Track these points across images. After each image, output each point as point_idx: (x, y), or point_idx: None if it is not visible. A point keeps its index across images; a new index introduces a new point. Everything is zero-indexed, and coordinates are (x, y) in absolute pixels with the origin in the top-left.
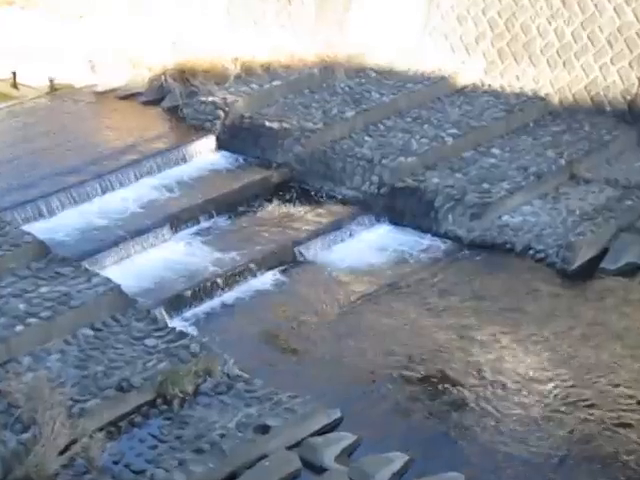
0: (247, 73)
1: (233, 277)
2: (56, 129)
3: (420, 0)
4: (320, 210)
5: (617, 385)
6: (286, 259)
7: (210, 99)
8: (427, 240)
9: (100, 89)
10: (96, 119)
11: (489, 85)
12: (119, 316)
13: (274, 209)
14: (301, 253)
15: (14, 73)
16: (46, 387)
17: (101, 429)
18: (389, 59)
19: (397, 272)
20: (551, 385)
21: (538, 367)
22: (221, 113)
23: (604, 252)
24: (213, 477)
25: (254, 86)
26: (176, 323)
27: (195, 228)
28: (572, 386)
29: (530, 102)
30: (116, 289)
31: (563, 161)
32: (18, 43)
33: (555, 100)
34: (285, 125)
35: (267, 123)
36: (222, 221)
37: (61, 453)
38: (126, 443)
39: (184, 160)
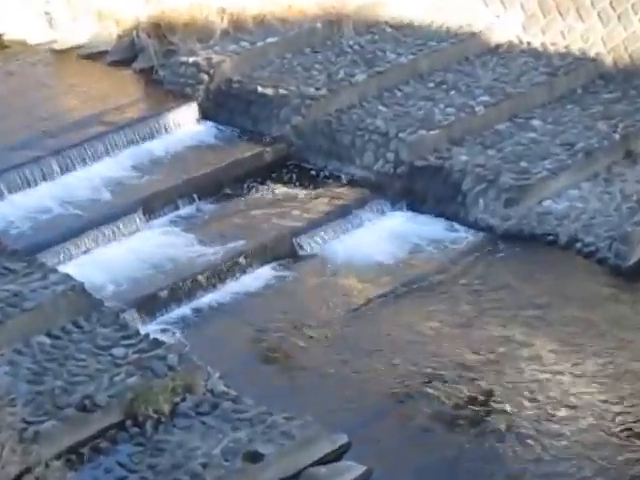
0: (236, 28)
1: (219, 274)
2: (5, 94)
3: None
4: (324, 194)
5: None
6: (283, 252)
7: (191, 59)
8: (453, 230)
9: (59, 47)
10: (54, 83)
11: (528, 43)
12: (81, 321)
13: (268, 192)
14: (301, 245)
15: None
16: None
17: (59, 456)
18: (408, 11)
19: (417, 270)
20: (615, 413)
21: (597, 390)
22: (205, 76)
23: None
24: None
25: (244, 44)
26: (150, 329)
27: (173, 215)
28: None
29: (578, 64)
30: (78, 288)
31: (617, 135)
32: None
33: (608, 61)
34: (282, 91)
35: (260, 89)
36: (205, 206)
37: None
38: (89, 473)
39: (160, 133)
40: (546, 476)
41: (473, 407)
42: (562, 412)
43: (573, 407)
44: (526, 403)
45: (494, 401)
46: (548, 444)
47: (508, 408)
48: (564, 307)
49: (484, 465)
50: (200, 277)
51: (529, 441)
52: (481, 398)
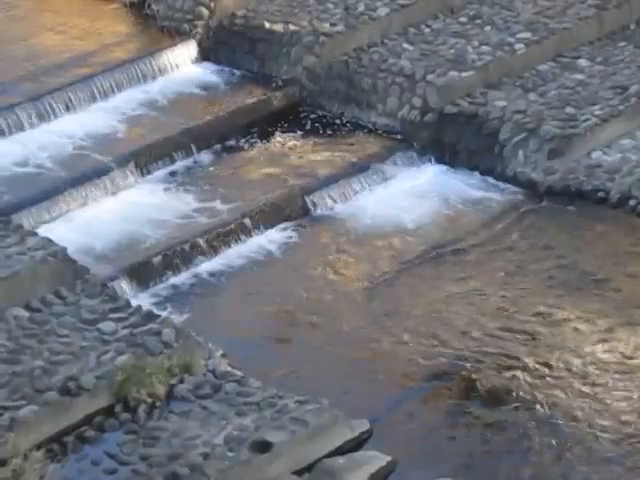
0: None
1: (221, 238)
2: None
3: None
4: (340, 145)
5: None
6: (294, 212)
7: None
8: (489, 186)
9: None
10: (32, 19)
11: None
12: (64, 291)
13: (277, 143)
14: (314, 204)
15: None
16: None
17: (39, 446)
18: None
19: (447, 231)
20: None
21: None
22: (204, 10)
23: None
24: None
25: None
26: (143, 301)
27: (168, 169)
28: None
29: None
30: (60, 254)
31: None
32: None
33: None
34: (292, 27)
35: (268, 24)
36: (205, 160)
37: None
38: (73, 465)
39: (153, 76)
40: (586, 463)
41: (504, 389)
42: (609, 398)
43: (624, 389)
44: (576, 385)
45: (528, 383)
46: (600, 425)
47: (546, 393)
48: (615, 273)
49: (515, 450)
50: (199, 241)
51: (569, 427)
52: (514, 378)
